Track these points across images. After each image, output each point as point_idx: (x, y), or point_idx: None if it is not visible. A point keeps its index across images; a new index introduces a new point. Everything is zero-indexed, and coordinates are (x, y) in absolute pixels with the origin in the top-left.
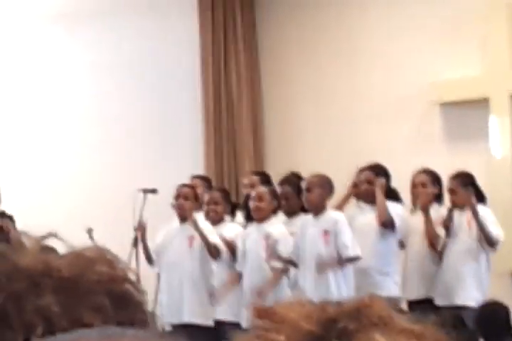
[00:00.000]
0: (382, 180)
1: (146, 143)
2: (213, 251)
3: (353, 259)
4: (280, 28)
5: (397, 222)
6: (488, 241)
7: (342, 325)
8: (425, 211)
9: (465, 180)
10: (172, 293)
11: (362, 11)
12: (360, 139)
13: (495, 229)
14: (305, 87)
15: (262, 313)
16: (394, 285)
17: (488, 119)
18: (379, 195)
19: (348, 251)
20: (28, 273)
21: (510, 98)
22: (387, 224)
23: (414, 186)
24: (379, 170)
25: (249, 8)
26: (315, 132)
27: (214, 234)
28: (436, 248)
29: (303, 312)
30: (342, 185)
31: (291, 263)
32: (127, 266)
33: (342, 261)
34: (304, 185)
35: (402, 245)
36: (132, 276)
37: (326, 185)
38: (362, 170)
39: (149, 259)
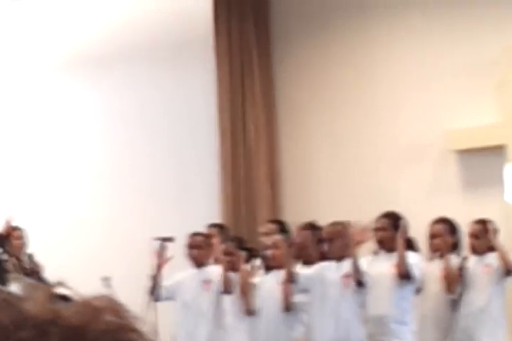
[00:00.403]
0: (404, 229)
1: (163, 190)
2: (227, 286)
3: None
4: (297, 74)
5: (415, 272)
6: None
7: None
8: (445, 257)
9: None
10: (187, 334)
11: (380, 59)
12: (377, 187)
13: None
14: (322, 134)
15: None
16: (410, 334)
17: (504, 167)
18: (400, 246)
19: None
20: (35, 322)
21: None
22: (404, 276)
23: (431, 236)
24: (395, 218)
25: (267, 54)
26: (332, 180)
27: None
28: (453, 294)
29: None
30: None
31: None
32: (135, 315)
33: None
34: (324, 234)
35: (418, 290)
36: (140, 326)
37: (346, 233)
38: (379, 218)
39: (153, 292)
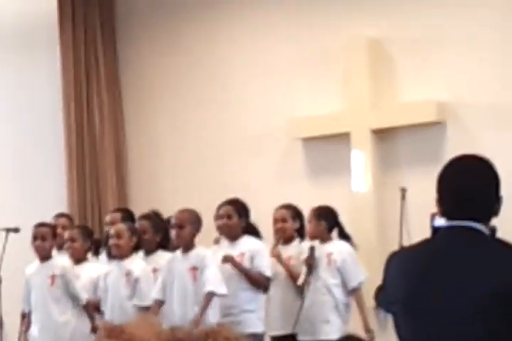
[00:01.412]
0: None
1: (8, 181)
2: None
3: (213, 294)
4: (142, 62)
5: (267, 273)
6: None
7: None
8: (276, 256)
9: (321, 213)
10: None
11: (226, 47)
12: (224, 175)
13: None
14: (168, 123)
15: (111, 332)
16: (258, 321)
17: (350, 154)
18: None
19: (209, 286)
20: None
21: (370, 133)
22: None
23: (275, 221)
24: (237, 205)
25: (111, 43)
26: (179, 168)
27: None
28: (296, 283)
29: (152, 331)
30: (205, 221)
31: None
32: None
33: (207, 297)
34: (173, 220)
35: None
36: None
37: (196, 221)
38: (222, 205)
39: None
